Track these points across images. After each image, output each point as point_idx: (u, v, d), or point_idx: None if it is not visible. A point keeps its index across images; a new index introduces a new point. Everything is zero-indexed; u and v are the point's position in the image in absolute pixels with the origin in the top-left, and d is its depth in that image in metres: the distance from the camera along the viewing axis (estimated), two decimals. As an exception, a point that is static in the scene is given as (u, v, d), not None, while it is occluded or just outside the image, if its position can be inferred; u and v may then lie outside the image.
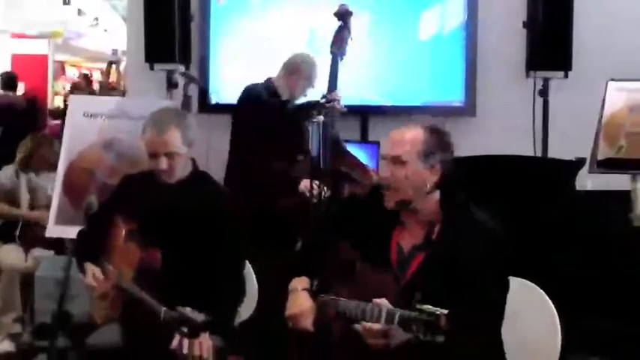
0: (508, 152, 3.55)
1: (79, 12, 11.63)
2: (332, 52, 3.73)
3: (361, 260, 2.29)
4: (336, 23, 3.77)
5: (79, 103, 4.77)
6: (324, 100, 3.67)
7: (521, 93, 4.69)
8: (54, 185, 4.42)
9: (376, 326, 2.09)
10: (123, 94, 7.35)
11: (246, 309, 2.86)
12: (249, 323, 2.87)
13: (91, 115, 4.46)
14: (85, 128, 4.43)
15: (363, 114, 4.84)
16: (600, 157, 3.94)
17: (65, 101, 10.16)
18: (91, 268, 2.71)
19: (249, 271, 2.90)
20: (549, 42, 4.51)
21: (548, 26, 4.50)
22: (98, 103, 5.06)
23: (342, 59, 3.75)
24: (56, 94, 11.97)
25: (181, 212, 2.74)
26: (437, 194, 2.31)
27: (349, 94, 4.08)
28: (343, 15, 3.77)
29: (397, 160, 2.28)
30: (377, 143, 4.47)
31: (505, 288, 2.23)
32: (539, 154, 4.51)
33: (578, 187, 3.59)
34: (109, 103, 4.73)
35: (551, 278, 2.51)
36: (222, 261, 2.73)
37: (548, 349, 2.35)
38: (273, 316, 2.47)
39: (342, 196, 3.69)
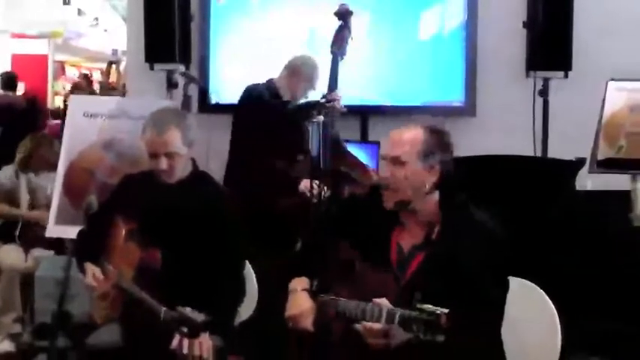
0: (508, 152, 3.55)
1: (79, 12, 11.65)
2: (332, 52, 3.72)
3: (361, 260, 2.29)
4: (335, 23, 3.77)
5: (79, 103, 4.78)
6: (324, 100, 3.67)
7: (521, 93, 4.69)
8: (54, 185, 4.42)
9: (377, 326, 2.09)
10: (123, 94, 7.35)
11: (246, 309, 2.86)
12: (249, 323, 2.87)
13: (91, 115, 4.46)
14: (85, 128, 4.43)
15: (363, 114, 4.84)
16: (600, 157, 3.94)
17: (65, 101, 10.16)
18: (91, 268, 2.71)
19: (249, 271, 2.90)
20: (549, 42, 4.51)
21: (548, 26, 4.50)
22: (98, 103, 5.07)
23: (342, 59, 3.74)
24: (56, 94, 11.99)
25: (181, 212, 2.74)
26: (436, 195, 2.31)
27: (349, 94, 4.08)
28: (344, 14, 3.76)
29: (396, 161, 2.28)
30: (377, 143, 4.47)
31: (505, 288, 2.23)
32: (539, 154, 4.51)
33: (578, 187, 3.59)
34: (109, 103, 4.73)
35: (551, 278, 2.51)
36: (222, 261, 2.73)
37: (548, 349, 2.35)
38: (273, 316, 2.47)
39: (342, 196, 3.69)
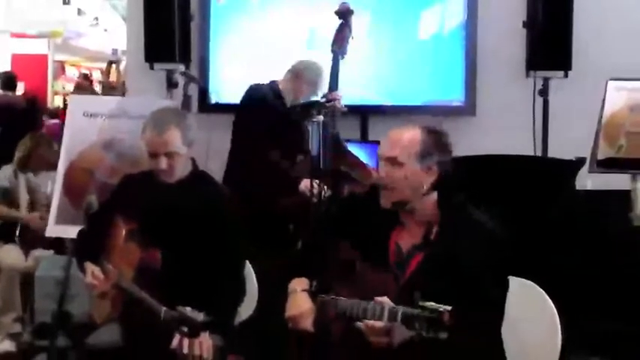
0: (508, 152, 3.55)
1: (79, 12, 11.64)
2: (333, 51, 3.71)
3: (361, 260, 2.29)
4: (335, 23, 3.77)
5: (79, 103, 4.77)
6: (324, 100, 3.67)
7: (521, 93, 4.69)
8: (53, 185, 4.42)
9: (379, 324, 2.09)
10: (123, 93, 7.35)
11: (246, 309, 2.86)
12: (249, 323, 2.87)
13: (91, 115, 4.45)
14: (85, 128, 4.42)
15: (363, 113, 4.83)
16: (600, 156, 3.93)
17: (65, 101, 10.16)
18: (91, 268, 2.71)
19: (249, 271, 2.89)
20: (549, 42, 4.51)
21: (548, 26, 4.50)
22: (98, 102, 5.06)
23: (342, 58, 3.73)
24: (56, 93, 11.98)
25: (181, 212, 2.74)
26: (434, 195, 2.30)
27: (349, 94, 4.08)
28: (344, 13, 3.76)
29: (394, 161, 2.28)
30: (377, 143, 4.37)
31: (505, 288, 2.23)
32: (539, 153, 4.51)
33: (578, 187, 3.59)
34: (109, 102, 4.72)
35: (551, 278, 2.51)
36: (222, 261, 2.73)
37: (548, 349, 2.35)
38: (273, 316, 2.47)
39: (342, 196, 3.69)
